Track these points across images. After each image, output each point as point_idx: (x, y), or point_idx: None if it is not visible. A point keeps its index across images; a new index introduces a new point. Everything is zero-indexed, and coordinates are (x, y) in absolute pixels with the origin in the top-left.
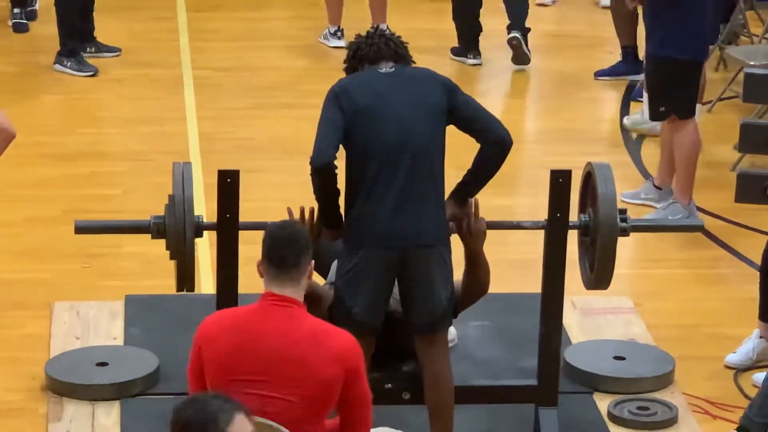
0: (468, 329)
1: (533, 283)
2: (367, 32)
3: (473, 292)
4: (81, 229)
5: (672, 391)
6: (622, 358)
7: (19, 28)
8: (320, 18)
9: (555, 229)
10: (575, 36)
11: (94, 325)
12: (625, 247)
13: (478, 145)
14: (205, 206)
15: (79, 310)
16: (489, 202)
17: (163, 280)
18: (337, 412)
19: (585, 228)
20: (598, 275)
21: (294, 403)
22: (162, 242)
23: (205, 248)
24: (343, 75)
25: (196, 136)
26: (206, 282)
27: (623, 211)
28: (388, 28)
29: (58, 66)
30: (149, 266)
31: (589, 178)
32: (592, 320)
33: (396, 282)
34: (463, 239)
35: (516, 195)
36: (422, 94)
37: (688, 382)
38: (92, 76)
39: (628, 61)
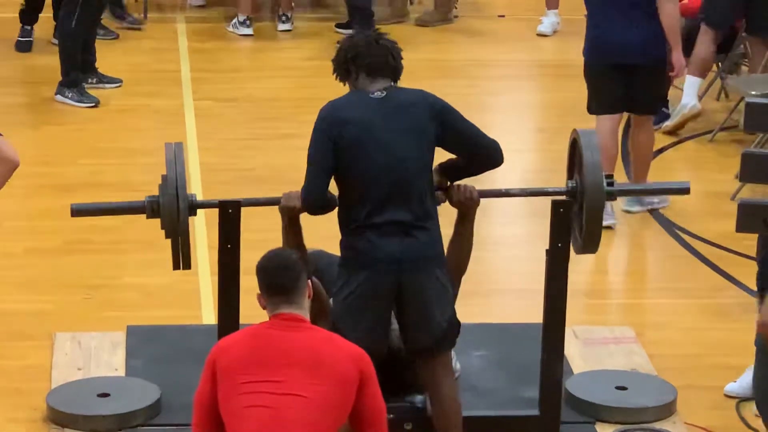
0: (470, 359)
1: (535, 313)
2: (368, 37)
3: (452, 264)
4: (78, 211)
5: (674, 421)
6: (624, 388)
7: (21, 47)
8: (322, 48)
9: (556, 258)
10: (575, 66)
11: (96, 355)
12: (627, 276)
13: None
14: (206, 236)
15: (81, 341)
16: (488, 232)
17: (164, 311)
18: (352, 427)
19: (572, 194)
20: (587, 239)
21: (311, 401)
22: (162, 275)
23: (207, 277)
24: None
25: (197, 166)
26: (207, 312)
27: (610, 176)
28: None
29: (59, 97)
30: (150, 297)
31: (575, 145)
32: (594, 350)
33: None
34: (455, 206)
35: (515, 224)
36: (414, 121)
37: (691, 411)
38: (93, 107)
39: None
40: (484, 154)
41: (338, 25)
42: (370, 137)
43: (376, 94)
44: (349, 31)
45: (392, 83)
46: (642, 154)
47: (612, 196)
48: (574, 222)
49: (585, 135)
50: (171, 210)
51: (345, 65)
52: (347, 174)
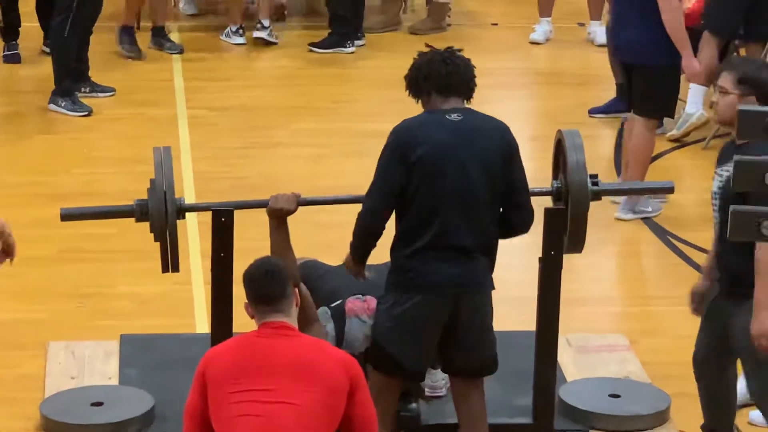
0: None
1: (528, 321)
2: (441, 55)
3: None
4: (67, 216)
5: (668, 428)
6: (618, 396)
7: (10, 60)
8: (313, 58)
9: (549, 266)
10: (568, 74)
11: (89, 364)
12: (620, 284)
13: None
14: (200, 245)
15: (74, 350)
16: None
17: (157, 320)
18: None
19: (558, 194)
20: (572, 238)
21: (302, 408)
22: (155, 283)
23: (200, 286)
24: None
25: (191, 175)
26: (201, 321)
27: (594, 176)
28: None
29: (52, 106)
30: (144, 306)
31: (559, 146)
32: (587, 358)
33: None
34: None
35: None
36: (487, 148)
37: (684, 419)
38: (87, 116)
39: (623, 98)
40: (518, 211)
41: (312, 44)
42: (444, 161)
43: (453, 116)
44: (327, 51)
45: (465, 101)
46: (633, 157)
47: (597, 195)
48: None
49: (569, 135)
50: (159, 213)
51: (417, 83)
52: (416, 196)
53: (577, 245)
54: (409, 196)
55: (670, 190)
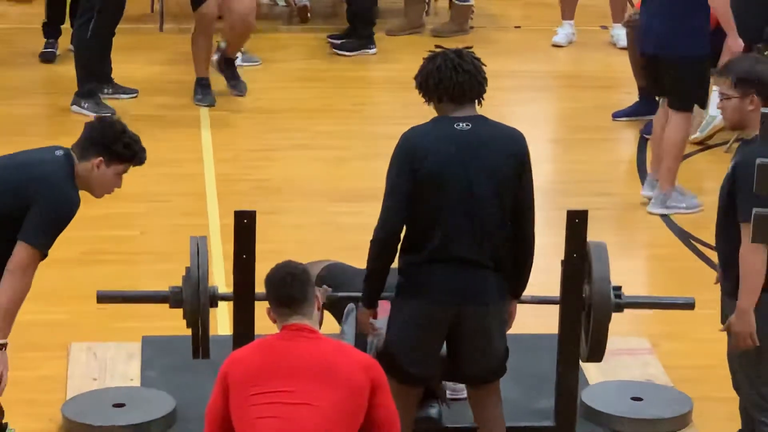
0: None
1: (550, 324)
2: (452, 61)
3: None
4: (103, 298)
5: None
6: (640, 399)
7: (45, 57)
8: (335, 60)
9: (571, 269)
10: (590, 76)
11: (111, 366)
12: (642, 287)
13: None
14: (222, 248)
15: (96, 352)
16: None
17: (179, 322)
18: None
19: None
20: (592, 349)
21: (323, 411)
22: (177, 285)
23: (222, 288)
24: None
25: (213, 177)
26: (223, 323)
27: (617, 288)
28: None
29: (75, 107)
30: (165, 308)
31: (586, 257)
32: (609, 361)
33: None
34: None
35: None
36: (493, 159)
37: (706, 423)
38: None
39: (646, 102)
40: (517, 230)
41: (332, 36)
42: (449, 171)
43: (461, 126)
44: (351, 54)
45: (477, 103)
46: (667, 150)
47: (619, 308)
48: (582, 328)
49: (595, 247)
50: (193, 303)
51: (428, 89)
52: (420, 206)
53: (598, 355)
54: (413, 205)
55: (691, 306)
